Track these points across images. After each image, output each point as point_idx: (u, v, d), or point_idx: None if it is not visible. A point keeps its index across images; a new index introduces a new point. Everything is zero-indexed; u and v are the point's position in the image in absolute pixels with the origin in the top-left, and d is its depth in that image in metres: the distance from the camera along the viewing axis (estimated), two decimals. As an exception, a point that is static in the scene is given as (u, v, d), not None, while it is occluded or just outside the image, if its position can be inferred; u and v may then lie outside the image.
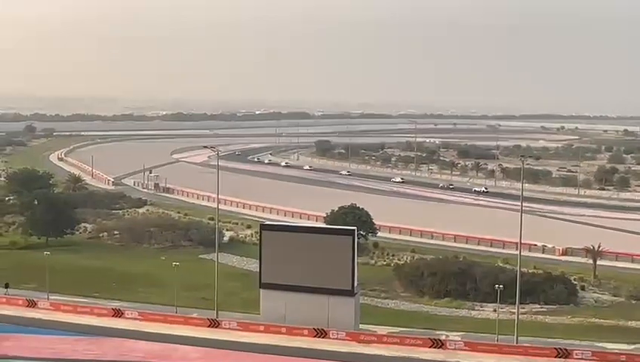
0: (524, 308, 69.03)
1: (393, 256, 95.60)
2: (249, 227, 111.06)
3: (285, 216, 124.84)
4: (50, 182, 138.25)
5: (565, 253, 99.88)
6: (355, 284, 63.31)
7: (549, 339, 61.52)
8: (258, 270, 66.68)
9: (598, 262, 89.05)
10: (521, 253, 65.22)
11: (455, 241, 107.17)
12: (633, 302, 77.58)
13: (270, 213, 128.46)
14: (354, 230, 65.57)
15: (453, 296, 76.59)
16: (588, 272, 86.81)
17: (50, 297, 71.83)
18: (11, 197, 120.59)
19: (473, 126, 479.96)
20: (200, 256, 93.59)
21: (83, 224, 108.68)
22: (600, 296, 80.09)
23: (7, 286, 73.07)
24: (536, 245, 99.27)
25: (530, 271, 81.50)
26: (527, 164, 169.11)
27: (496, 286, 64.54)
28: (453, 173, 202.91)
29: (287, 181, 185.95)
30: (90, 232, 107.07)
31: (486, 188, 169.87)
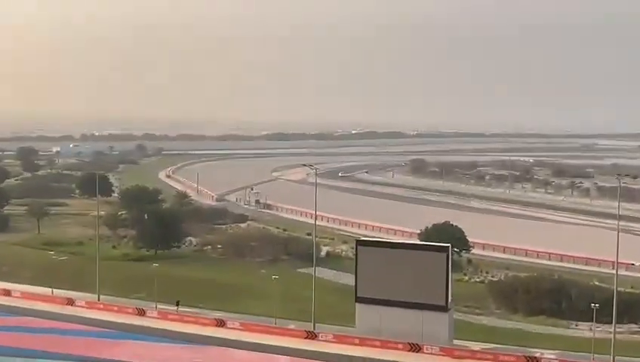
0: (621, 328, 67.84)
1: (487, 272, 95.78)
2: (345, 242, 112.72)
3: (380, 232, 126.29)
4: (159, 198, 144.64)
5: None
6: (449, 300, 64.22)
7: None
8: (354, 284, 68.22)
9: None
10: (618, 272, 64.57)
11: (549, 259, 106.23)
12: None
13: (366, 229, 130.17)
14: (448, 247, 66.25)
15: (547, 313, 76.20)
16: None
17: (157, 306, 75.52)
18: (123, 213, 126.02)
19: (568, 144, 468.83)
20: (298, 269, 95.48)
21: (189, 238, 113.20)
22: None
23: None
24: (633, 264, 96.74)
25: (627, 290, 79.95)
26: (624, 183, 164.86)
27: (592, 304, 64.03)
28: (548, 191, 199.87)
29: (383, 198, 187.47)
30: (195, 246, 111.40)
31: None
